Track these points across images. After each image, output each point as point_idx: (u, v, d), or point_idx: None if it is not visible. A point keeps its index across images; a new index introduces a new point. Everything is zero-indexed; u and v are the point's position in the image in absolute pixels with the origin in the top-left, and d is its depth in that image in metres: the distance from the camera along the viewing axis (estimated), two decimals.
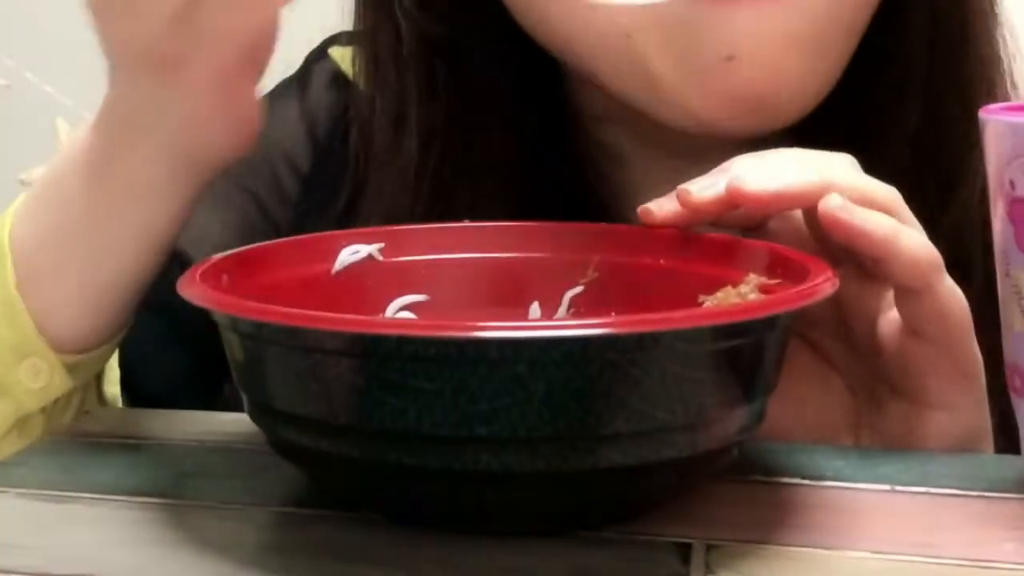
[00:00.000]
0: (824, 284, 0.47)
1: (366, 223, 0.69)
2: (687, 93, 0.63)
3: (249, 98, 0.58)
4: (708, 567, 0.44)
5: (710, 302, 0.52)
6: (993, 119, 0.48)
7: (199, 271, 0.50)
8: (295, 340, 0.44)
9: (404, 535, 0.46)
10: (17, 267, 0.59)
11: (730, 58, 0.61)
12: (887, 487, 0.51)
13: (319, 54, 0.81)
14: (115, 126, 0.58)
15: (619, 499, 0.47)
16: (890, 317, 0.55)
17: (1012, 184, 0.47)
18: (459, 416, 0.42)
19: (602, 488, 0.45)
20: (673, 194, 0.56)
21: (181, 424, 0.58)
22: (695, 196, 0.54)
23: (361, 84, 0.74)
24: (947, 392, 0.55)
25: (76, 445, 0.56)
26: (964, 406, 0.56)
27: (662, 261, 0.56)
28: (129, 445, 0.56)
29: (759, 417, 0.48)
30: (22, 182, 0.60)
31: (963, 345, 0.55)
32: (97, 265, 0.59)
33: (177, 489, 0.51)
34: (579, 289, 0.57)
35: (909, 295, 0.53)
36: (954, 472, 0.52)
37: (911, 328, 0.54)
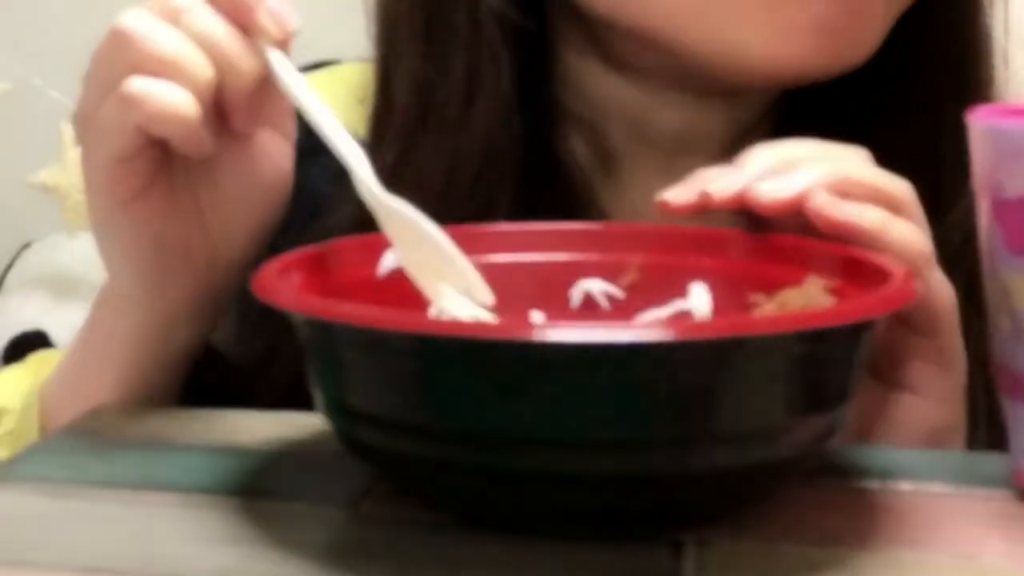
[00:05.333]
0: (913, 283, 0.47)
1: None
2: (769, 30, 0.64)
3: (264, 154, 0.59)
4: (700, 565, 0.44)
5: (770, 304, 0.52)
6: (979, 123, 0.49)
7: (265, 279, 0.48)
8: (405, 345, 0.43)
9: (397, 530, 0.47)
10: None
11: None
12: (879, 484, 0.51)
13: None
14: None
15: (721, 501, 0.46)
16: None
17: (999, 187, 0.48)
18: (581, 421, 0.42)
19: (711, 490, 0.45)
20: (689, 184, 0.56)
21: (187, 422, 0.59)
22: (715, 198, 0.55)
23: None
24: (926, 379, 0.56)
25: (83, 442, 0.57)
26: (940, 395, 0.57)
27: (704, 261, 0.56)
28: (136, 442, 0.56)
29: (847, 415, 0.48)
30: (29, 185, 0.61)
31: (948, 336, 0.56)
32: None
33: (183, 485, 0.51)
34: (620, 292, 0.57)
35: None
36: (946, 470, 0.52)
37: (898, 315, 0.54)
